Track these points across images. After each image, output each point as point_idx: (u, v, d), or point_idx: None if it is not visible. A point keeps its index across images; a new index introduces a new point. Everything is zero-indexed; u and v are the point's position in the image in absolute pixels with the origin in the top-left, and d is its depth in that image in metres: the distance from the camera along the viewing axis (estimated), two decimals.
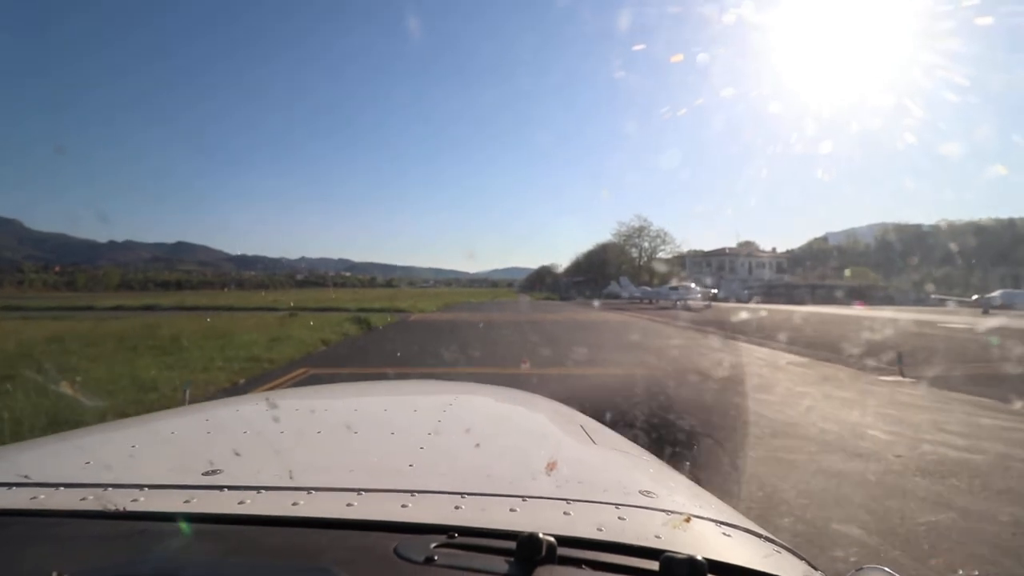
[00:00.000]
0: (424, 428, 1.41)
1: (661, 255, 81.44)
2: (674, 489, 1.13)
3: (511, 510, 0.84)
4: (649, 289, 48.61)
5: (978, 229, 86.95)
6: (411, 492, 0.88)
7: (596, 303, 48.21)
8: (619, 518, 0.84)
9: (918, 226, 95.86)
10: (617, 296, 51.85)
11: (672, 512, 0.88)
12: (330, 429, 1.42)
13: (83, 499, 0.84)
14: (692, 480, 1.30)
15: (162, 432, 1.38)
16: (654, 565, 0.67)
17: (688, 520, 0.85)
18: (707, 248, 78.94)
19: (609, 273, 69.61)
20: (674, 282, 45.80)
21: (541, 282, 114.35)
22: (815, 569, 0.88)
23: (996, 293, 36.68)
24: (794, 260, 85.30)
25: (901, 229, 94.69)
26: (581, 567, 0.69)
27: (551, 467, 1.07)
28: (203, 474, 0.95)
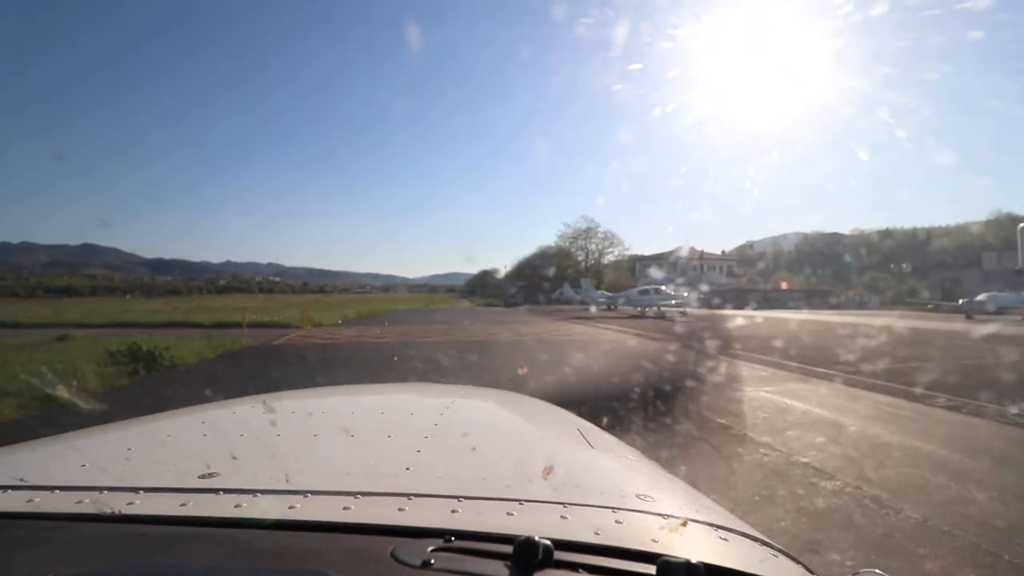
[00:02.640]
0: (421, 431, 1.39)
1: (609, 258, 75.76)
2: (671, 493, 1.12)
3: (508, 514, 0.83)
4: (610, 294, 41.20)
5: (886, 236, 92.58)
6: (408, 495, 0.87)
7: (548, 310, 40.70)
8: (616, 522, 0.83)
9: (836, 234, 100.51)
10: (569, 301, 44.15)
11: (669, 516, 0.87)
12: (326, 432, 1.41)
13: (79, 502, 0.82)
14: (690, 486, 1.27)
15: (158, 435, 1.36)
16: (651, 569, 0.67)
17: (685, 524, 0.85)
18: (649, 252, 73.99)
19: (556, 276, 62.19)
20: (643, 284, 38.51)
21: (483, 287, 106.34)
22: (811, 573, 0.87)
23: (982, 297, 33.88)
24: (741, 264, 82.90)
25: (823, 237, 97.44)
26: (578, 571, 0.68)
27: (548, 471, 1.05)
28: (199, 477, 0.93)
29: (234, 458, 1.08)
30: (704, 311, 37.88)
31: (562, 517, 0.83)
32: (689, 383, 8.94)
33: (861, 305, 55.33)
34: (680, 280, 57.83)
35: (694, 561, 0.66)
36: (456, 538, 0.73)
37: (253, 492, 0.87)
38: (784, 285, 63.44)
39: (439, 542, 0.71)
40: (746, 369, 10.57)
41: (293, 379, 8.94)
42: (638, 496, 0.97)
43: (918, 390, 8.01)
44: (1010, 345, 14.48)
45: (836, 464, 4.80)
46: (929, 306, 42.33)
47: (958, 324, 25.72)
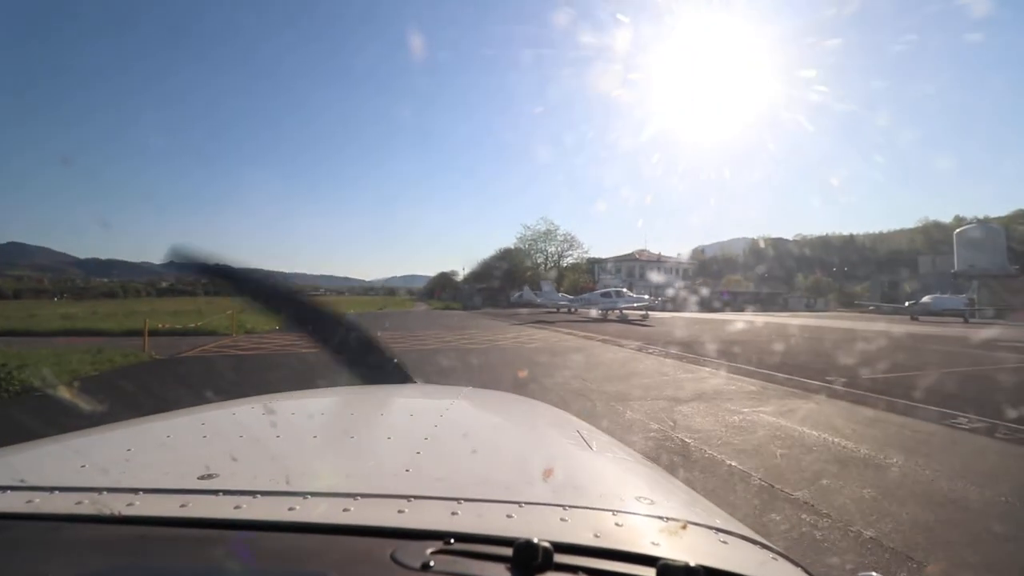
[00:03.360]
0: (421, 433, 1.38)
1: (569, 260, 75.04)
2: (671, 496, 1.12)
3: (508, 516, 0.82)
4: (571, 296, 39.90)
5: (826, 242, 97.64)
6: (408, 497, 0.86)
7: (508, 312, 39.06)
8: (616, 524, 0.83)
9: (782, 239, 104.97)
10: (530, 304, 42.65)
11: (669, 519, 0.87)
12: (326, 433, 1.41)
13: (78, 503, 0.82)
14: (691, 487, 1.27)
15: (158, 435, 1.34)
16: (651, 572, 0.67)
17: (685, 527, 0.85)
18: (607, 255, 73.69)
19: (517, 279, 60.70)
20: (603, 286, 37.26)
21: (442, 289, 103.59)
22: (811, 575, 0.87)
23: (927, 299, 35.07)
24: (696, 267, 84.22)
25: (769, 242, 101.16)
26: (577, 573, 0.68)
27: (548, 473, 1.05)
28: (199, 478, 0.92)
29: (234, 459, 1.07)
30: (667, 314, 37.34)
31: (562, 519, 0.83)
32: (681, 402, 7.44)
33: (808, 307, 57.67)
34: (639, 282, 57.74)
35: (694, 564, 0.66)
36: (456, 540, 0.73)
37: (253, 493, 0.86)
38: (737, 287, 64.82)
39: (439, 544, 0.71)
40: (766, 388, 9.19)
41: (177, 404, 6.65)
42: (638, 499, 0.96)
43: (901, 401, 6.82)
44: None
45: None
46: (870, 307, 44.03)
47: (920, 327, 25.94)
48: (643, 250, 71.49)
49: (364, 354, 2.30)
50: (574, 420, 1.81)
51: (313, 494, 0.86)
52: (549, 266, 73.70)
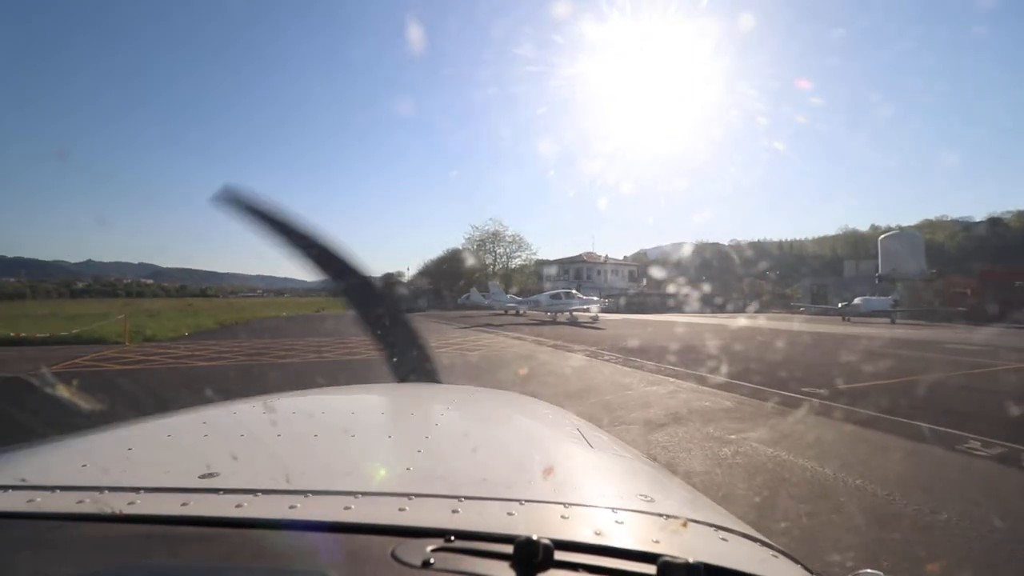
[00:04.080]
0: (421, 431, 1.39)
1: (517, 262, 73.86)
2: (671, 493, 1.13)
3: (508, 514, 0.83)
4: (520, 298, 38.47)
5: (760, 247, 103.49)
6: (408, 495, 0.86)
7: (455, 315, 37.18)
8: (616, 522, 0.83)
9: (718, 244, 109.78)
10: (477, 306, 40.91)
11: (669, 516, 0.87)
12: (327, 432, 1.38)
13: (80, 502, 0.82)
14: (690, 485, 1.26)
15: (159, 434, 1.33)
16: (651, 569, 0.67)
17: (685, 524, 0.85)
18: (554, 257, 73.21)
19: (465, 280, 58.78)
20: (551, 288, 35.96)
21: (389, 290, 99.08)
22: (811, 573, 0.87)
23: (857, 301, 36.49)
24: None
25: (707, 247, 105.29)
26: (578, 571, 0.68)
27: (548, 471, 1.05)
28: (200, 477, 0.92)
29: (235, 458, 1.07)
30: (615, 315, 36.74)
31: (562, 517, 0.83)
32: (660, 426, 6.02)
33: (745, 309, 59.69)
34: (587, 284, 57.43)
35: (694, 561, 0.66)
36: (456, 538, 0.73)
37: (254, 492, 0.86)
38: (679, 289, 66.09)
39: (439, 542, 0.71)
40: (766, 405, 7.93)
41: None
42: (639, 496, 0.96)
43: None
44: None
45: None
46: (800, 308, 45.86)
47: (857, 328, 26.43)
48: (590, 252, 71.49)
49: (407, 349, 2.19)
50: (574, 418, 1.79)
51: (314, 492, 0.86)
52: (498, 267, 72.33)
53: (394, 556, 0.67)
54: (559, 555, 0.67)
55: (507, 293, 43.84)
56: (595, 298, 32.92)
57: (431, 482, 0.96)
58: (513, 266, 73.11)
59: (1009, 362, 12.70)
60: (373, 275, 2.22)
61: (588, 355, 13.56)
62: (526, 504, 0.86)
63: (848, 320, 33.86)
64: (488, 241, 74.98)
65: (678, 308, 50.20)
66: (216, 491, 0.86)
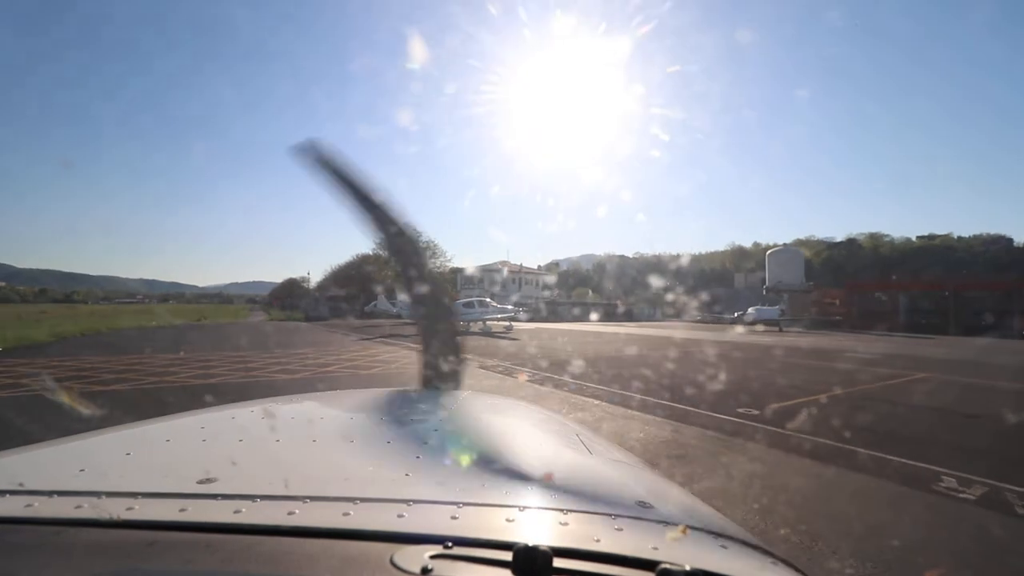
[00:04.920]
0: (420, 437, 1.37)
1: (431, 268, 70.78)
2: (671, 500, 1.11)
3: (508, 520, 0.82)
4: None
5: (660, 260, 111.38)
6: (407, 502, 0.86)
7: (360, 324, 34.00)
8: (616, 529, 0.82)
9: (624, 256, 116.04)
10: (386, 314, 37.94)
11: (669, 524, 0.87)
12: (326, 438, 1.38)
13: (78, 507, 0.81)
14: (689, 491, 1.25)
15: (157, 439, 1.31)
16: None
17: (685, 532, 0.84)
18: (469, 265, 71.73)
19: (371, 286, 55.05)
20: (465, 296, 33.90)
21: (286, 297, 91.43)
22: None
23: (751, 310, 38.78)
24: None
25: (612, 259, 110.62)
26: None
27: (548, 477, 1.04)
28: (198, 482, 0.91)
29: (233, 463, 1.06)
30: (529, 324, 35.72)
31: (562, 524, 0.82)
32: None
33: (649, 317, 62.41)
34: (501, 293, 56.42)
35: (693, 569, 0.65)
36: (455, 544, 0.72)
37: (252, 498, 0.85)
38: (587, 299, 67.51)
39: (438, 548, 0.71)
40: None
41: None
42: (638, 503, 0.95)
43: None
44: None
45: None
46: (698, 318, 48.53)
47: (756, 336, 27.51)
48: (505, 261, 70.75)
49: (446, 352, 2.15)
50: (573, 425, 1.78)
51: (313, 498, 0.85)
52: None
53: (393, 563, 0.66)
54: (558, 562, 0.67)
55: None
56: (509, 307, 31.61)
57: (430, 488, 0.95)
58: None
59: (912, 371, 13.06)
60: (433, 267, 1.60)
61: (503, 372, 11.93)
62: (525, 511, 0.85)
63: (743, 328, 35.77)
64: None
65: (588, 317, 50.80)
66: (214, 497, 0.85)
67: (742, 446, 5.81)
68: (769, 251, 53.08)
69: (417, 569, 0.65)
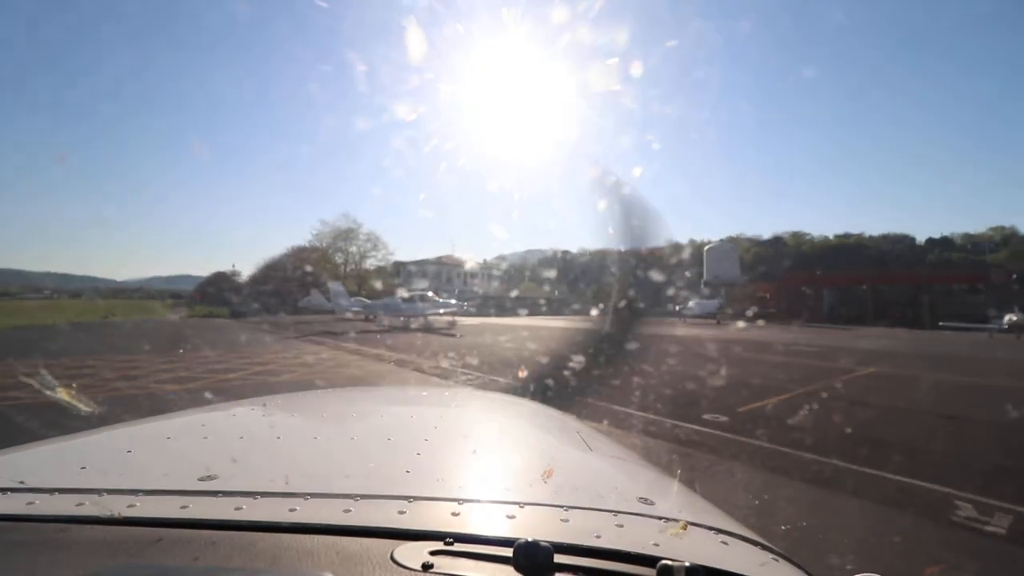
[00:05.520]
0: (421, 434, 1.38)
1: (372, 262, 67.79)
2: (671, 496, 1.12)
3: (509, 517, 0.82)
4: (368, 301, 33.80)
5: (603, 255, 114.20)
6: (408, 498, 0.86)
7: (292, 321, 31.30)
8: (617, 525, 0.82)
9: (568, 252, 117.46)
10: (321, 310, 35.32)
11: (669, 520, 0.87)
12: (327, 434, 1.38)
13: (79, 504, 0.81)
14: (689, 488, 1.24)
15: (158, 437, 1.32)
16: (651, 573, 0.66)
17: (685, 528, 0.84)
18: (413, 259, 69.27)
19: (310, 281, 51.58)
20: (404, 291, 31.79)
21: (212, 292, 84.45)
22: None
23: (692, 304, 39.46)
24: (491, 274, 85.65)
25: (557, 254, 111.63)
26: (578, 574, 0.68)
27: (548, 474, 1.04)
28: (199, 479, 0.92)
29: (234, 460, 1.06)
30: (473, 319, 34.38)
31: (563, 520, 0.82)
32: None
33: (595, 311, 63.01)
34: (445, 287, 54.70)
35: (694, 565, 0.65)
36: (456, 541, 0.72)
37: (253, 494, 0.85)
38: (532, 293, 67.17)
39: (439, 545, 0.71)
40: None
41: None
42: (639, 499, 0.95)
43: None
44: None
45: None
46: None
47: (700, 329, 27.71)
48: (450, 255, 68.85)
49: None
50: (574, 422, 1.75)
51: (313, 495, 0.85)
52: (350, 268, 65.70)
53: (393, 559, 0.66)
54: (559, 558, 0.67)
55: (360, 295, 38.84)
56: (452, 301, 30.14)
57: (431, 485, 0.95)
58: (369, 267, 66.95)
59: (859, 365, 12.96)
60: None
61: (444, 376, 10.58)
62: (526, 507, 0.85)
63: (684, 321, 36.33)
64: (340, 238, 67.59)
65: (535, 311, 50.24)
66: (215, 494, 0.85)
67: (710, 462, 4.85)
68: (707, 247, 54.71)
69: (418, 565, 0.65)
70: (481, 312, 43.29)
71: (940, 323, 27.29)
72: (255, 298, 55.81)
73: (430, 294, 29.48)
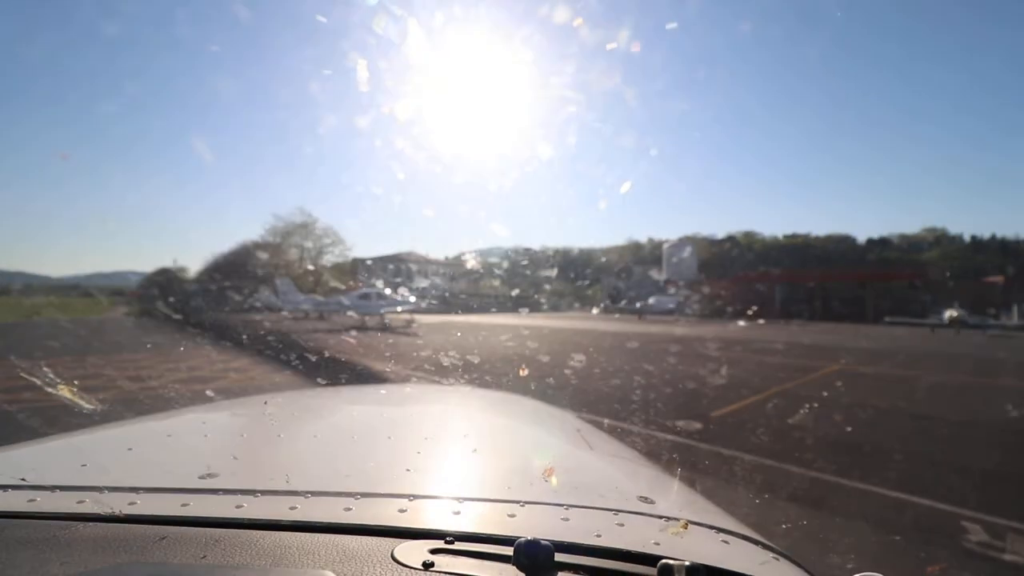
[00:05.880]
0: (422, 433, 1.38)
1: (330, 258, 65.15)
2: (672, 495, 1.11)
3: (509, 516, 0.82)
4: (321, 299, 32.05)
5: (565, 253, 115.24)
6: (409, 497, 0.86)
7: (240, 320, 29.28)
8: (617, 524, 0.82)
9: (530, 249, 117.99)
10: (270, 308, 33.33)
11: (670, 518, 0.86)
12: (327, 433, 1.38)
13: (80, 502, 0.81)
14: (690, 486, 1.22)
15: (159, 435, 1.32)
16: (652, 571, 0.66)
17: (686, 526, 0.84)
18: (374, 255, 67.20)
19: (262, 277, 48.88)
20: (363, 290, 30.14)
21: (162, 289, 79.16)
22: (811, 575, 0.85)
23: (652, 300, 39.82)
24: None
25: (519, 251, 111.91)
26: (579, 573, 0.68)
27: (549, 473, 1.04)
28: (200, 477, 0.92)
29: (235, 458, 1.05)
30: (435, 317, 33.26)
31: (563, 519, 0.82)
32: None
33: (554, 308, 63.12)
34: (406, 284, 53.12)
35: (695, 563, 0.65)
36: (457, 540, 0.72)
37: (254, 492, 0.85)
38: (495, 291, 66.60)
39: (440, 543, 0.71)
40: None
41: None
42: (640, 498, 0.95)
43: None
44: None
45: None
46: (603, 308, 49.74)
47: (663, 327, 27.66)
48: (411, 252, 67.11)
49: None
50: (575, 420, 1.72)
51: (314, 493, 0.85)
52: (305, 264, 62.94)
53: (394, 557, 0.66)
54: (560, 557, 0.67)
55: (316, 292, 36.91)
56: (412, 299, 28.95)
57: (431, 483, 0.95)
58: (326, 263, 64.28)
59: (823, 361, 12.89)
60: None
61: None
62: (527, 506, 0.85)
63: (643, 318, 36.49)
64: (295, 233, 64.52)
65: (497, 309, 49.62)
66: (216, 492, 0.85)
67: (695, 476, 4.20)
68: (666, 245, 55.51)
69: (418, 563, 0.65)
70: (442, 310, 42.17)
71: (886, 318, 28.38)
72: (202, 296, 52.45)
73: (389, 291, 28.18)
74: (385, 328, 23.06)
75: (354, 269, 62.72)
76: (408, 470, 1.01)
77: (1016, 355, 15.42)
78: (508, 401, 2.13)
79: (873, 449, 5.36)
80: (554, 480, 0.99)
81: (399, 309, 26.67)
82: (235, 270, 61.76)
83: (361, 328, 23.12)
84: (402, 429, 1.43)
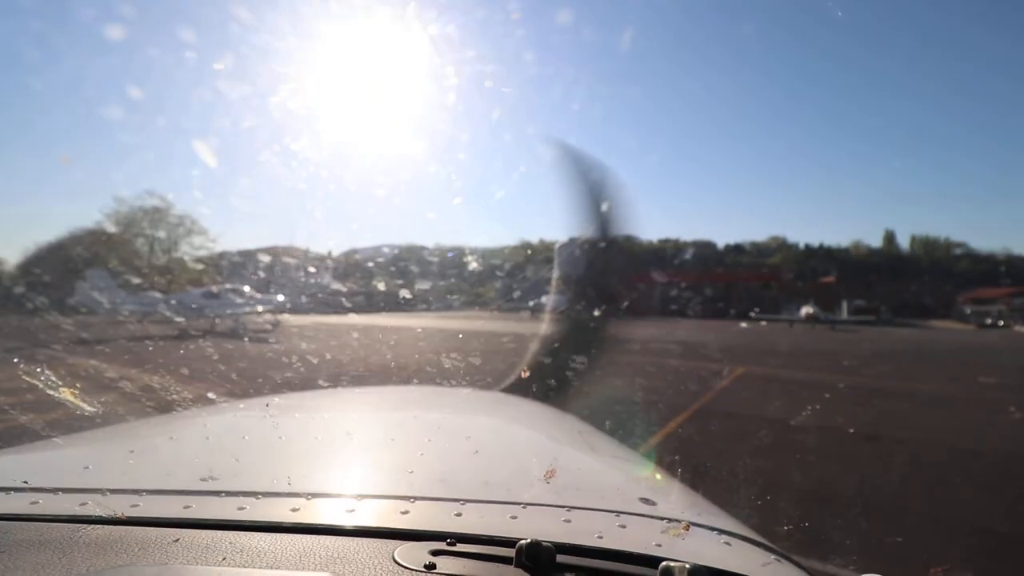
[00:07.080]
0: (424, 435, 1.36)
1: (188, 249, 55.53)
2: (674, 497, 1.10)
3: (511, 517, 0.82)
4: (159, 295, 26.01)
5: (458, 251, 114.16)
6: (411, 498, 0.85)
7: (48, 323, 22.42)
8: (619, 526, 0.82)
9: (423, 247, 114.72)
10: (92, 309, 26.37)
11: (671, 520, 0.85)
12: (329, 435, 1.36)
13: (83, 504, 0.81)
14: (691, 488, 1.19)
15: (161, 438, 1.31)
16: (653, 573, 0.66)
17: (687, 528, 0.83)
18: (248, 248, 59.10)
19: (91, 269, 39.58)
20: (214, 286, 24.78)
21: None
22: None
23: (544, 299, 39.40)
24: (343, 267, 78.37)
25: (410, 249, 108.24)
26: (581, 574, 0.67)
27: (550, 474, 1.02)
28: (202, 480, 0.91)
29: (236, 461, 1.04)
30: (310, 319, 28.88)
31: (565, 521, 0.82)
32: None
33: (449, 307, 60.93)
34: (280, 280, 46.91)
35: (696, 565, 0.64)
36: (459, 541, 0.72)
37: (256, 495, 0.84)
38: (386, 288, 62.50)
39: (442, 545, 0.70)
40: None
41: None
42: (641, 500, 0.94)
43: None
44: None
45: None
46: (495, 307, 48.72)
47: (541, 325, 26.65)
48: (289, 246, 59.88)
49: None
50: (577, 422, 1.71)
51: (315, 495, 0.85)
52: (159, 257, 53.02)
53: (396, 559, 0.66)
54: (561, 558, 0.66)
55: (168, 289, 30.36)
56: (279, 297, 24.57)
57: (433, 485, 0.94)
58: (183, 256, 54.67)
59: (725, 363, 12.24)
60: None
61: None
62: (528, 507, 0.84)
63: (535, 317, 35.70)
64: (143, 220, 53.84)
65: (386, 308, 46.00)
66: (218, 494, 0.84)
67: None
68: (557, 244, 56.09)
69: (420, 565, 0.64)
70: (323, 310, 37.54)
71: (751, 314, 30.62)
72: (17, 292, 41.23)
73: (245, 288, 23.50)
74: (233, 333, 18.80)
75: (218, 263, 54.23)
76: (410, 472, 0.99)
77: (876, 345, 16.47)
78: (510, 403, 2.09)
79: None
80: (555, 482, 0.95)
81: (260, 309, 22.31)
82: (61, 263, 50.00)
83: (212, 332, 18.64)
84: (404, 431, 1.40)
